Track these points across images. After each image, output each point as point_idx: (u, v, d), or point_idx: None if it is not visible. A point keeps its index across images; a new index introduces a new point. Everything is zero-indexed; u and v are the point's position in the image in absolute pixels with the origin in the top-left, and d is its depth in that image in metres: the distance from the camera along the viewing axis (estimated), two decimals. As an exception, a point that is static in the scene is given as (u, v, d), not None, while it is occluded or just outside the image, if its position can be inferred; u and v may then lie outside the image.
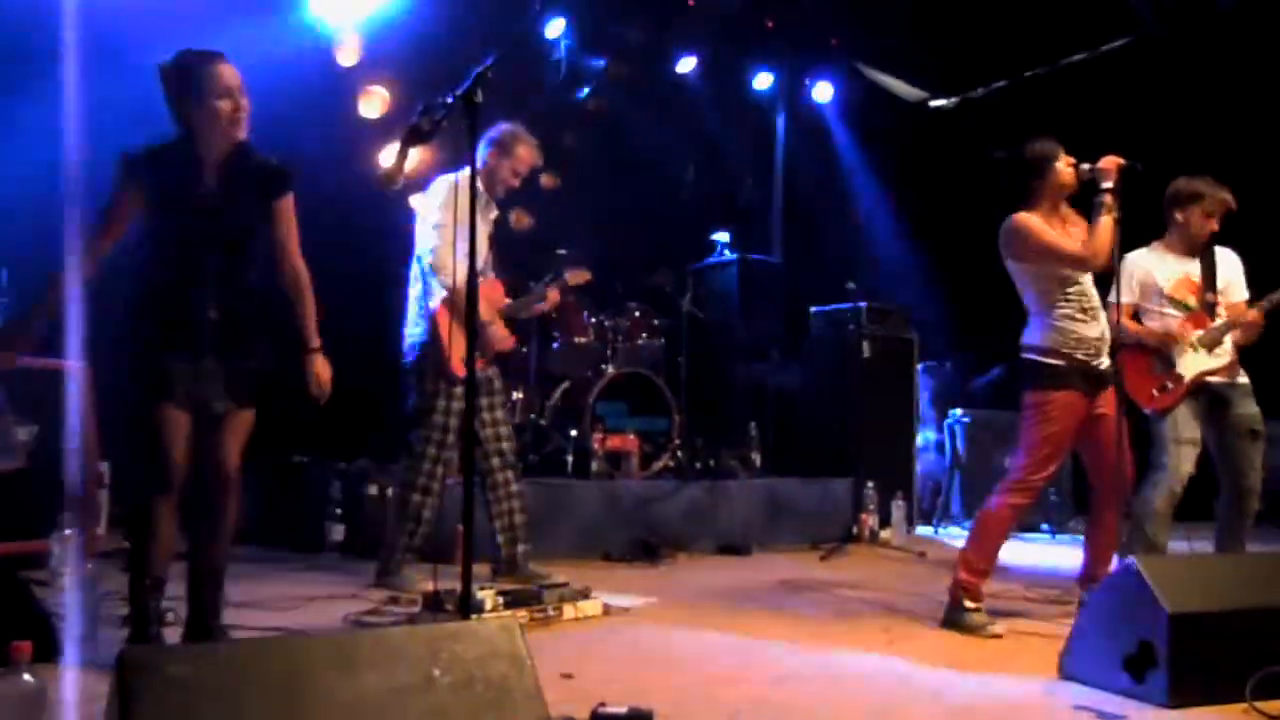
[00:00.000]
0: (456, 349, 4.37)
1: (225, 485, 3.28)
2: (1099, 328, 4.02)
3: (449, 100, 2.82)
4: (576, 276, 5.22)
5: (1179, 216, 4.64)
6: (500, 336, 4.69)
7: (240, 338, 3.24)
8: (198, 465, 3.23)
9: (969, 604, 3.99)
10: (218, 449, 3.25)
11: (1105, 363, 4.03)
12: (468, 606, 2.48)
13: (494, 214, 4.72)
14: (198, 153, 3.16)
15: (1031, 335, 4.08)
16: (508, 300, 4.91)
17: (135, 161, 3.15)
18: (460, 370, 4.35)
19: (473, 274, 2.92)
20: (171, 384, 3.14)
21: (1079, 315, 4.00)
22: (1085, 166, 3.99)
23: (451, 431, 4.52)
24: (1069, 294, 4.00)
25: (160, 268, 3.19)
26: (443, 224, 4.40)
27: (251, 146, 3.24)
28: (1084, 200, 4.05)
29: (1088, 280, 4.05)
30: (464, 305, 4.14)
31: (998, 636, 3.87)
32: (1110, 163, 3.92)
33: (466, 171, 4.34)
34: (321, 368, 3.38)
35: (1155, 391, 4.52)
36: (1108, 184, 3.90)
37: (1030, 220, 3.99)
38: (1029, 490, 4.03)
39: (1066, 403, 3.96)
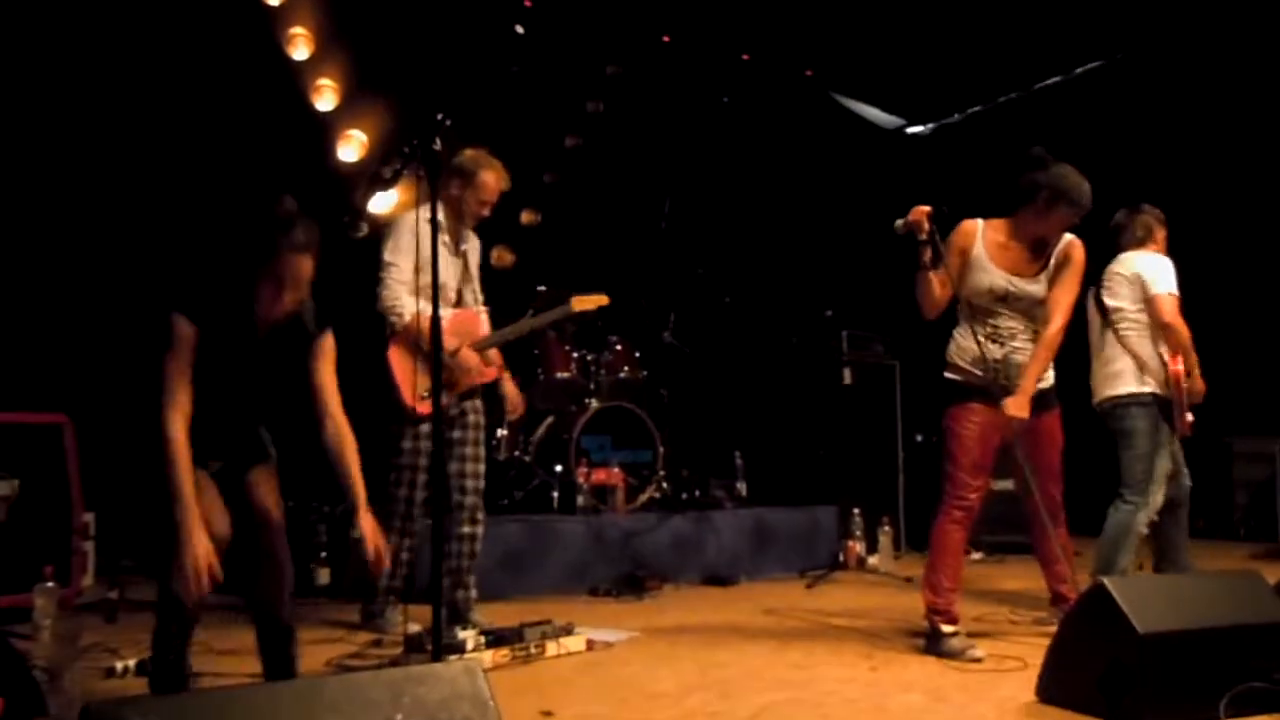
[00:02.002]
0: (407, 386, 4.33)
1: (273, 533, 3.24)
2: (1002, 351, 4.08)
3: (406, 150, 2.86)
4: (585, 301, 4.82)
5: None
6: (471, 368, 4.49)
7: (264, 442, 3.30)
8: (239, 523, 3.18)
9: (945, 628, 4.00)
10: (257, 503, 3.25)
11: (1017, 380, 4.06)
12: (439, 648, 2.50)
13: (466, 245, 4.61)
14: (255, 310, 3.13)
15: (948, 349, 4.24)
16: (484, 333, 4.71)
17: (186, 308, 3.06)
18: (418, 406, 4.29)
19: (436, 311, 2.91)
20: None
21: (980, 335, 4.08)
22: (899, 222, 4.05)
23: (421, 470, 4.44)
24: (975, 315, 4.12)
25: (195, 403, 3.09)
26: (389, 263, 4.37)
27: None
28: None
29: (1004, 311, 4.10)
30: (418, 341, 4.20)
31: (978, 660, 3.88)
32: (918, 213, 4.01)
33: (423, 209, 4.39)
34: (370, 527, 3.20)
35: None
36: (921, 237, 4.00)
37: (958, 228, 4.16)
38: (963, 506, 4.09)
39: (973, 418, 4.07)
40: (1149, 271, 4.77)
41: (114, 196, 6.09)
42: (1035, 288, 4.08)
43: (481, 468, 4.59)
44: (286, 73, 6.73)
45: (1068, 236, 4.13)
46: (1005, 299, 4.08)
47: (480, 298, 4.73)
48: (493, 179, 4.42)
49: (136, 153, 6.09)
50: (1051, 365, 4.16)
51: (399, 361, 4.42)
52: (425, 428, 4.34)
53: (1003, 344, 4.09)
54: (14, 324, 5.43)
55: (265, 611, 3.24)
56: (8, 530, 4.25)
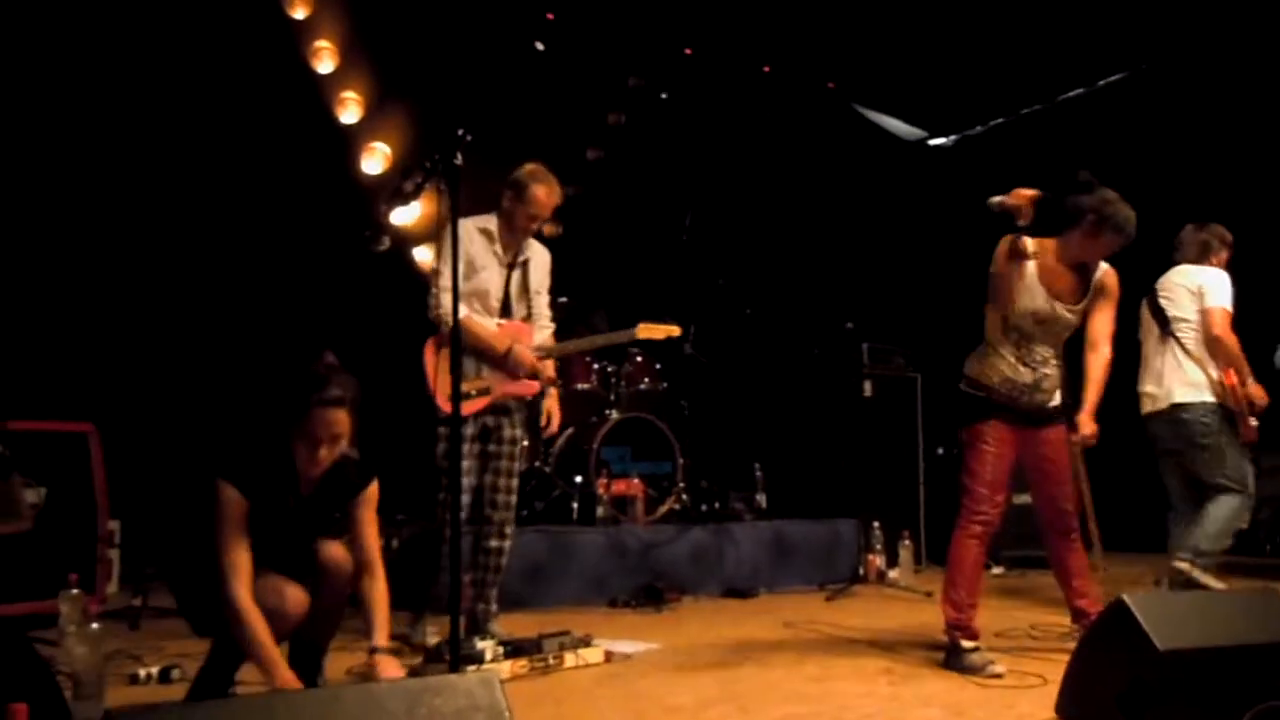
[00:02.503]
0: (441, 387, 4.32)
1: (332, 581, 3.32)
2: (1032, 376, 4.08)
3: (428, 164, 2.89)
4: (653, 330, 4.80)
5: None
6: (524, 364, 4.42)
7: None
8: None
9: (965, 644, 4.01)
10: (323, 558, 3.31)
11: (1041, 402, 4.11)
12: (457, 658, 2.51)
13: (522, 257, 4.58)
14: (296, 468, 3.17)
15: (970, 362, 4.22)
16: (533, 343, 4.63)
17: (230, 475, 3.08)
18: (446, 406, 4.27)
19: (455, 314, 2.94)
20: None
21: (1011, 357, 4.08)
22: (996, 200, 3.96)
23: (460, 473, 4.33)
24: (1009, 335, 4.10)
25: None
26: (436, 270, 4.40)
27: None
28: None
29: (1039, 335, 4.09)
30: (442, 341, 4.23)
31: (998, 676, 3.87)
32: (1020, 196, 3.92)
33: (470, 221, 4.43)
34: (388, 667, 3.16)
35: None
36: (1021, 222, 3.91)
37: (1003, 243, 4.06)
38: (981, 521, 4.10)
39: (993, 434, 4.09)
40: (1209, 285, 5.09)
41: (140, 207, 6.16)
42: (1073, 315, 4.09)
43: (515, 483, 4.60)
44: (311, 86, 6.81)
45: (1105, 265, 4.14)
46: (1044, 322, 4.08)
47: (539, 311, 4.65)
48: (543, 193, 4.42)
49: (162, 161, 6.16)
50: (1059, 387, 4.20)
51: (432, 363, 4.40)
52: (466, 430, 4.34)
53: (1034, 369, 4.09)
54: (41, 334, 5.50)
55: (305, 636, 3.32)
56: (34, 537, 4.30)
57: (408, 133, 6.93)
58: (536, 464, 6.55)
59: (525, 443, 6.57)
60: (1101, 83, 7.66)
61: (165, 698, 3.50)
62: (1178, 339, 5.14)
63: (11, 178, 5.52)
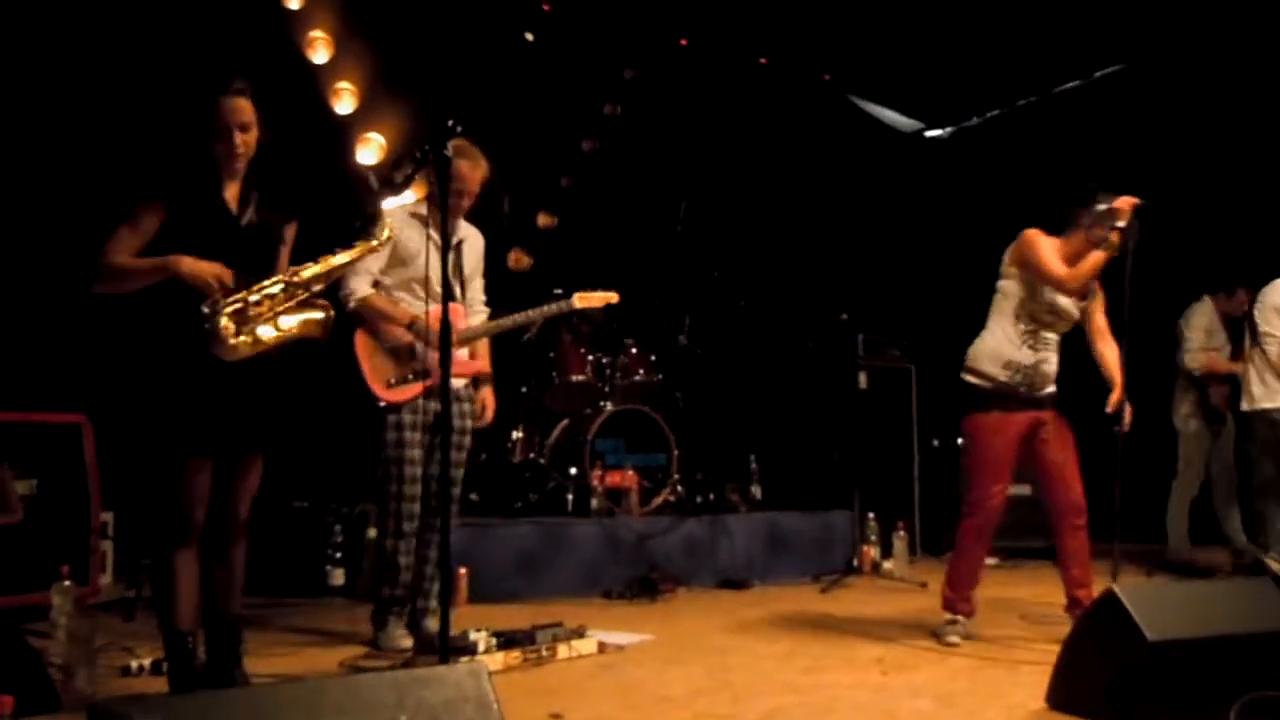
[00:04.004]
0: (371, 374, 4.23)
1: (238, 533, 3.34)
2: (1034, 357, 4.28)
3: (418, 155, 2.88)
4: (591, 298, 4.64)
5: None
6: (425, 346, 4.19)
7: (260, 378, 3.25)
8: (210, 513, 3.24)
9: (946, 616, 4.36)
10: (232, 497, 3.30)
11: (1040, 385, 4.31)
12: (445, 649, 2.51)
13: (456, 238, 4.36)
14: (218, 171, 3.28)
15: (972, 349, 4.39)
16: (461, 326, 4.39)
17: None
18: (378, 390, 4.20)
19: (446, 308, 2.89)
20: (200, 433, 3.15)
21: (1018, 338, 4.28)
22: (1100, 207, 4.14)
23: (406, 462, 4.21)
24: (1021, 319, 4.30)
25: (181, 301, 3.15)
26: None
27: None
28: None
29: (1050, 324, 4.30)
30: (374, 328, 4.20)
31: (953, 645, 4.20)
32: (1125, 203, 4.07)
33: (401, 208, 4.31)
34: None
35: None
36: (1120, 223, 4.05)
37: (1040, 234, 4.26)
38: (982, 511, 4.32)
39: (994, 424, 4.28)
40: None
41: (133, 196, 6.13)
42: (1076, 311, 4.34)
43: (459, 473, 4.40)
44: (306, 75, 6.78)
45: None
46: (1058, 314, 4.30)
47: (471, 296, 4.52)
48: (466, 168, 4.21)
49: (153, 152, 6.13)
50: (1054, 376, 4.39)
51: (363, 349, 4.27)
52: (407, 417, 4.20)
53: (1036, 351, 4.28)
54: (33, 324, 5.48)
55: (214, 604, 3.33)
56: (26, 529, 4.29)
57: (403, 123, 6.91)
58: (531, 455, 6.55)
59: (517, 433, 6.64)
60: (1098, 74, 7.66)
61: (158, 689, 3.49)
62: (1263, 350, 5.78)
63: (0, 166, 5.50)
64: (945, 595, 4.41)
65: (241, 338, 3.07)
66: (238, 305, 3.09)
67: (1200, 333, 6.70)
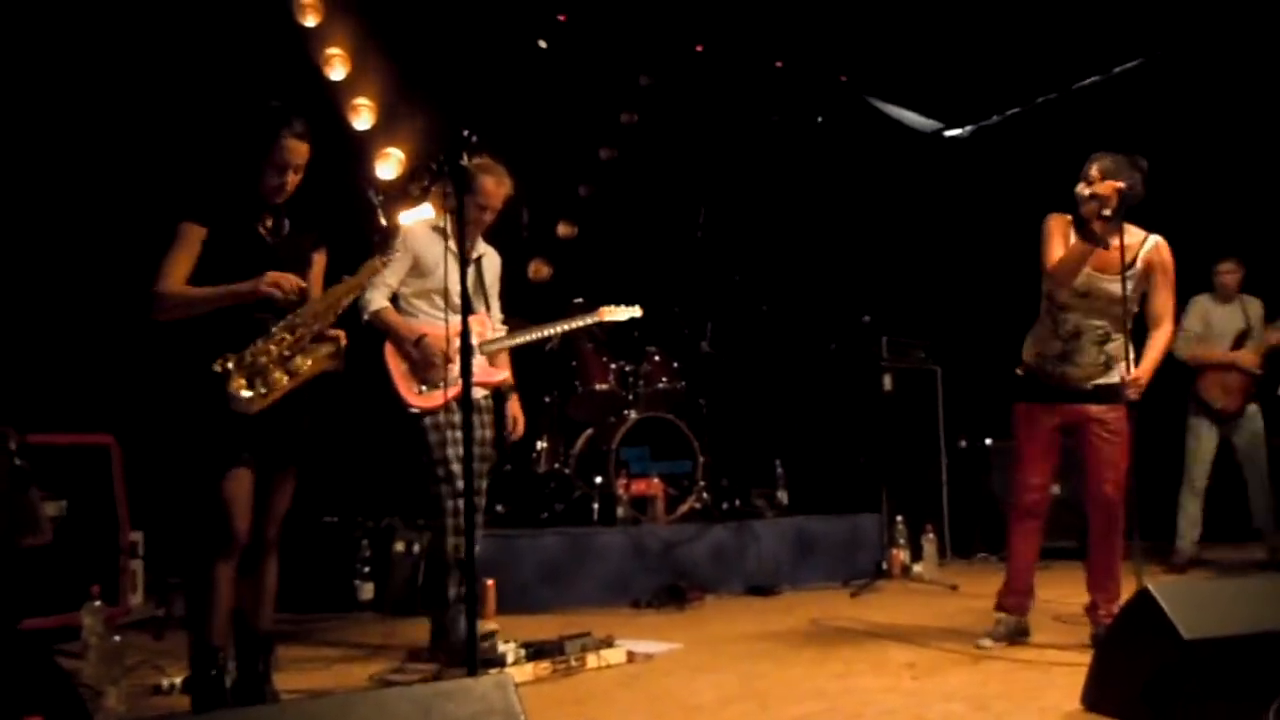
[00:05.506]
0: (401, 381, 4.25)
1: (271, 547, 3.38)
2: (1061, 347, 4.17)
3: (434, 166, 2.89)
4: (616, 311, 4.73)
5: None
6: (431, 360, 4.23)
7: (292, 395, 3.28)
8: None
9: (995, 614, 4.35)
10: (266, 513, 3.34)
11: (1073, 376, 4.15)
12: (474, 661, 2.51)
13: (476, 254, 4.47)
14: (261, 193, 3.34)
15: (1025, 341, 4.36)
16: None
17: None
18: (409, 397, 4.22)
19: (465, 318, 2.89)
20: (241, 445, 3.20)
21: (1047, 328, 4.22)
22: (1084, 190, 4.04)
23: (454, 460, 4.21)
24: (1046, 306, 4.23)
25: (221, 319, 3.23)
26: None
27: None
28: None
29: (1080, 307, 4.13)
30: (394, 339, 4.22)
31: (984, 649, 4.17)
32: (1106, 188, 3.96)
33: (421, 221, 4.36)
34: None
35: None
36: (1106, 211, 3.95)
37: (1057, 220, 4.18)
38: (1022, 509, 4.29)
39: (1024, 413, 4.26)
40: None
41: (154, 215, 6.17)
42: (1114, 286, 4.05)
43: (483, 484, 4.45)
44: (324, 92, 6.81)
45: (1154, 238, 4.16)
46: (1086, 295, 4.12)
47: (493, 309, 4.58)
48: (491, 184, 4.31)
49: (188, 174, 6.17)
50: (1120, 364, 4.12)
51: (393, 357, 4.29)
52: (443, 417, 4.22)
53: (1064, 341, 4.17)
54: (61, 346, 5.52)
55: (244, 622, 3.36)
56: (56, 550, 4.32)
57: (421, 136, 6.92)
58: (556, 465, 6.54)
59: (541, 443, 6.63)
60: (1117, 69, 7.58)
61: (188, 708, 3.50)
62: None
63: (29, 189, 5.54)
64: (999, 593, 4.38)
65: (258, 389, 3.13)
66: (244, 360, 3.15)
67: (1196, 320, 6.59)
